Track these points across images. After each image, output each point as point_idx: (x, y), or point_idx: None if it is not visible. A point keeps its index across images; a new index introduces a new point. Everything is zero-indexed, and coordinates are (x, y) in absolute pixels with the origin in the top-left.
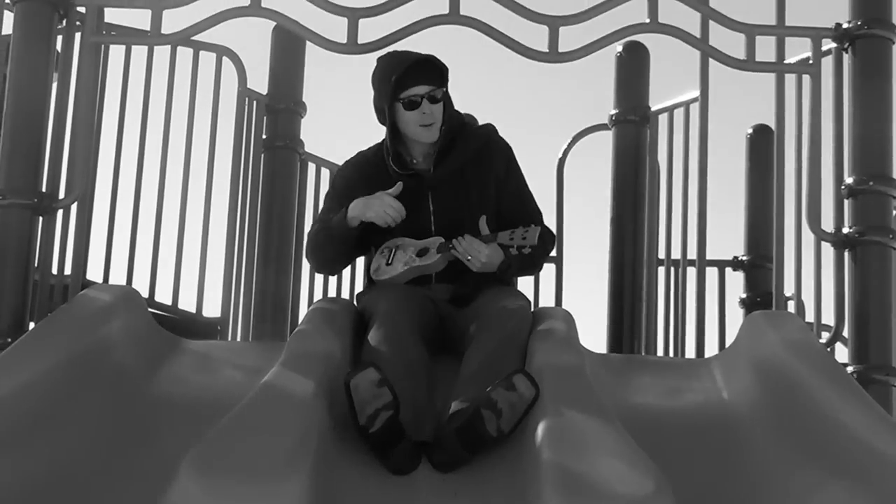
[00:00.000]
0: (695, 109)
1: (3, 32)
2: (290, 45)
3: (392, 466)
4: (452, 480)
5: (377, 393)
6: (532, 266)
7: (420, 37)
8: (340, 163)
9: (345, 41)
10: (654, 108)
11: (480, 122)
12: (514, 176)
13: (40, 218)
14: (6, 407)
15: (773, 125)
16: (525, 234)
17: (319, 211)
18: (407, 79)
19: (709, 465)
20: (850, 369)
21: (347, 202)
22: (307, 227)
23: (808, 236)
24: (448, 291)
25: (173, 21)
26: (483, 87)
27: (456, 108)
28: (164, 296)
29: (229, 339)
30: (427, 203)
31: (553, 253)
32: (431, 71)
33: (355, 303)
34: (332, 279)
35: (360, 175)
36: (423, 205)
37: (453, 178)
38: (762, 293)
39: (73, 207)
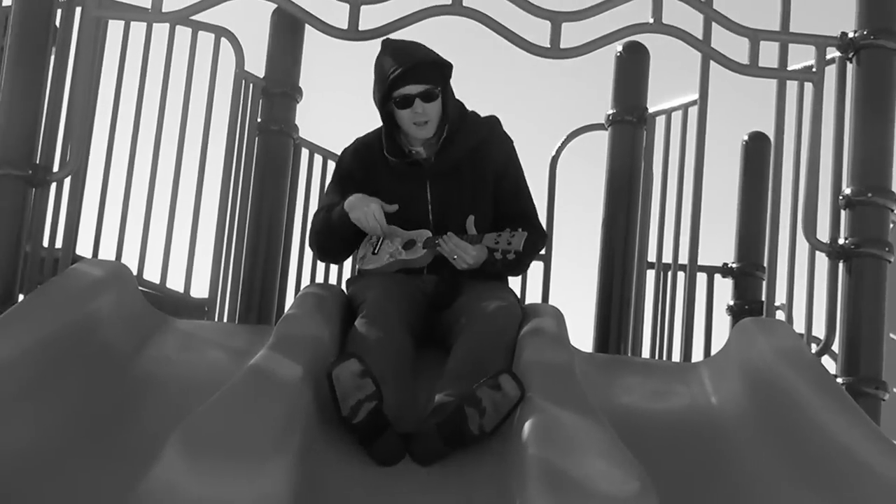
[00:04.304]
0: (693, 113)
1: (4, 4)
2: (289, 29)
3: (377, 458)
4: (436, 471)
5: (359, 384)
6: (517, 267)
7: (421, 26)
8: (334, 149)
9: (345, 27)
10: (651, 109)
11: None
12: (512, 170)
13: (33, 190)
14: None
15: (768, 132)
16: (511, 239)
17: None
18: (400, 79)
19: (694, 469)
20: (839, 381)
21: (346, 190)
22: (298, 213)
23: (801, 246)
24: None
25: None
26: (480, 79)
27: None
28: (152, 274)
29: (216, 320)
30: (425, 192)
31: (542, 251)
32: (428, 70)
33: (344, 289)
34: (321, 265)
35: (359, 163)
36: (421, 194)
37: (452, 169)
38: (751, 301)
39: (66, 181)
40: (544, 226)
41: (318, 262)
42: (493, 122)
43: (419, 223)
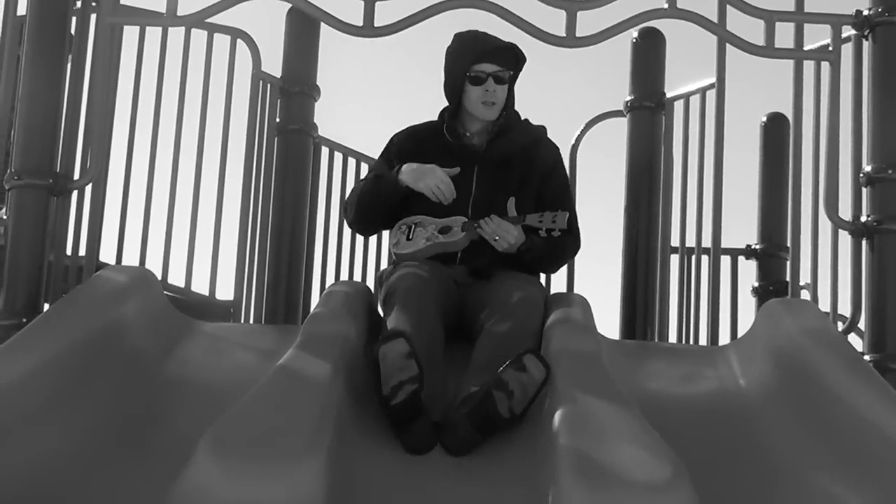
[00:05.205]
0: (711, 96)
1: (18, 13)
2: (304, 28)
3: (409, 445)
4: (467, 463)
5: (404, 365)
6: (549, 259)
7: (437, 19)
8: (354, 146)
9: (361, 24)
10: (669, 94)
11: None
12: (558, 175)
13: (55, 198)
14: (20, 387)
15: (786, 113)
16: (554, 218)
17: (367, 171)
18: (480, 56)
19: (725, 452)
20: (867, 358)
21: (393, 165)
22: (320, 211)
23: (824, 225)
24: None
25: (189, 3)
26: None
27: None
28: (176, 278)
29: (242, 322)
30: (472, 178)
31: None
32: (504, 53)
33: (376, 283)
34: (345, 263)
35: (412, 142)
36: (467, 180)
37: (502, 162)
38: (775, 282)
39: (88, 188)
40: None
41: (342, 260)
42: (544, 129)
43: (458, 207)
